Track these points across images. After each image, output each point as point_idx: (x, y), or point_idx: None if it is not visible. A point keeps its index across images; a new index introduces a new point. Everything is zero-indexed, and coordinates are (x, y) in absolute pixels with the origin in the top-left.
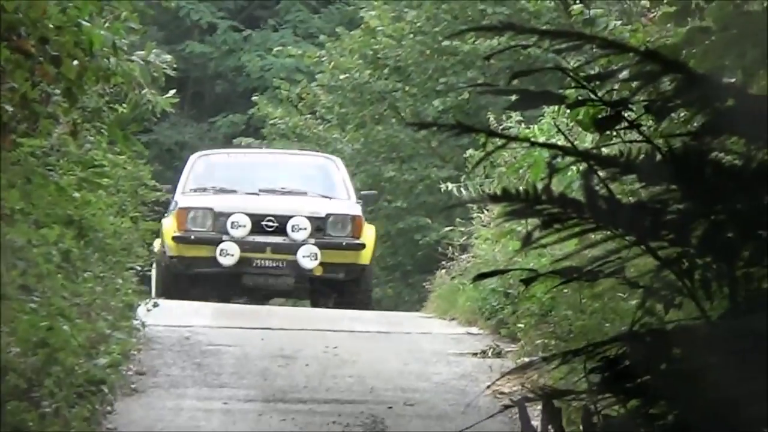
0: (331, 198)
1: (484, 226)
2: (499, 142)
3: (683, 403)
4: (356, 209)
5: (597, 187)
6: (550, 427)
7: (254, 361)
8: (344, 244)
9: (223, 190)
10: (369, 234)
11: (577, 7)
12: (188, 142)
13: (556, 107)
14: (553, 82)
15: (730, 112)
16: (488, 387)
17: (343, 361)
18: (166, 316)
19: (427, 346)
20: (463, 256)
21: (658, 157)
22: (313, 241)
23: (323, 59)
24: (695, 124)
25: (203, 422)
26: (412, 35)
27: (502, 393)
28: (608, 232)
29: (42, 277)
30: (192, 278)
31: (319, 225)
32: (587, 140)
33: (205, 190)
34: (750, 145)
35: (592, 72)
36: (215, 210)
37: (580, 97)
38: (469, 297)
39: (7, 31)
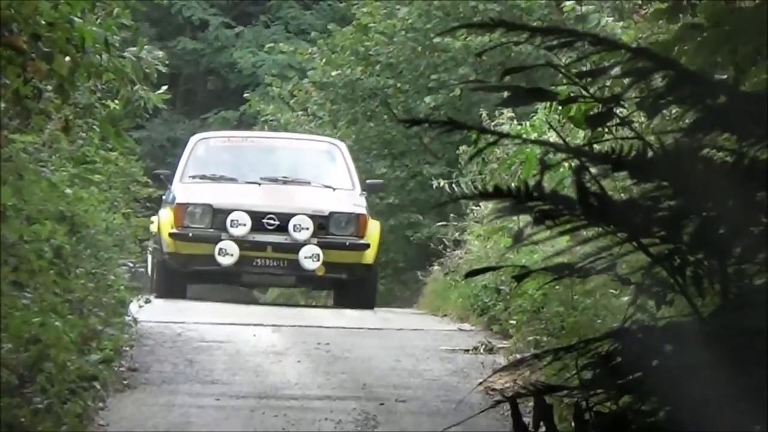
0: (334, 189)
1: (477, 222)
2: (490, 138)
3: (675, 399)
4: (361, 205)
5: (588, 184)
6: (541, 423)
7: (246, 358)
8: (348, 243)
9: (222, 178)
10: (374, 231)
11: (568, 4)
12: (180, 138)
13: (548, 104)
14: (544, 79)
15: (722, 109)
16: (480, 383)
17: (335, 358)
18: (159, 313)
19: (419, 343)
20: (455, 253)
21: (650, 153)
22: (315, 241)
23: (315, 56)
24: (687, 121)
25: (195, 418)
26: (403, 32)
27: (493, 389)
28: (600, 229)
29: (34, 273)
30: (189, 276)
31: (321, 223)
32: (579, 137)
33: (204, 177)
34: (742, 142)
35: (584, 69)
36: (214, 206)
37: (571, 94)
38: (461, 293)
39: None
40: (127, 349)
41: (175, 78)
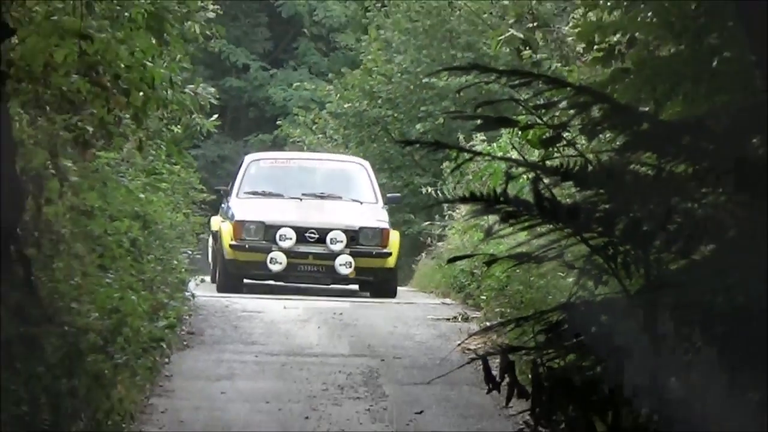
0: (362, 202)
1: (456, 220)
2: (467, 156)
3: (608, 358)
4: (384, 220)
5: (543, 191)
6: (506, 375)
7: (278, 324)
8: (374, 253)
9: (271, 194)
10: (395, 240)
11: (526, 53)
12: (228, 155)
13: (511, 129)
14: (508, 110)
15: (645, 134)
16: (458, 345)
17: (346, 325)
18: (211, 290)
19: (411, 313)
20: (439, 244)
21: (590, 168)
22: (348, 251)
23: (331, 92)
24: (618, 143)
25: (239, 371)
26: (399, 74)
27: (469, 349)
28: (551, 226)
29: (115, 258)
30: (246, 276)
31: (353, 236)
32: (535, 155)
33: (255, 193)
34: (660, 159)
35: (539, 102)
36: (266, 223)
37: (529, 122)
38: (444, 275)
39: (88, 69)
40: (187, 317)
41: (224, 109)
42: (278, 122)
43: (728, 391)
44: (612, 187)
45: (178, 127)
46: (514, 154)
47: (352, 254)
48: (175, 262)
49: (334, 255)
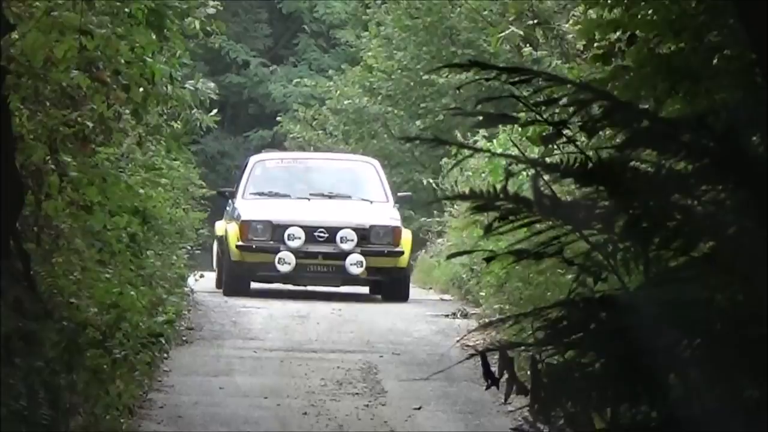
0: (372, 202)
1: (455, 217)
2: (467, 152)
3: (607, 354)
4: (396, 218)
5: (542, 188)
6: (504, 371)
7: (277, 320)
8: (386, 252)
9: (278, 195)
10: (407, 239)
11: (527, 50)
12: (227, 151)
13: (511, 126)
14: (508, 107)
15: (645, 131)
16: (457, 341)
17: (345, 320)
18: (210, 285)
19: (410, 309)
20: (439, 240)
21: (590, 165)
22: (359, 250)
23: (331, 88)
24: (618, 140)
25: (238, 366)
26: (399, 71)
27: (468, 345)
28: (551, 223)
29: (114, 254)
30: (252, 278)
31: (364, 235)
32: (535, 152)
33: (262, 194)
34: (660, 156)
35: (539, 99)
36: (273, 222)
37: (529, 119)
38: (443, 271)
39: (88, 65)
40: (186, 312)
41: (223, 104)
42: (278, 118)
43: (727, 389)
44: (612, 184)
45: (178, 122)
46: (514, 151)
47: (363, 253)
48: (175, 257)
49: (344, 254)
